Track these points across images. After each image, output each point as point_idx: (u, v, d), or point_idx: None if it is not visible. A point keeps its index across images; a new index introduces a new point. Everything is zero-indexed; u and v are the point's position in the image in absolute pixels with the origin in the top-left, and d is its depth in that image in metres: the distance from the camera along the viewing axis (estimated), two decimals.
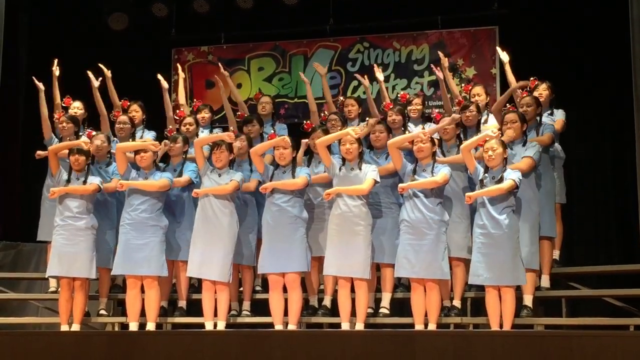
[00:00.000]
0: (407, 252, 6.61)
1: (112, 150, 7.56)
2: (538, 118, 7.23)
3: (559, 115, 7.56)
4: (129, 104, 8.10)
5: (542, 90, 7.52)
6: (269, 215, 6.91)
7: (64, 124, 7.71)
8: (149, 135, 8.01)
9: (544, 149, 7.06)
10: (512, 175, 6.45)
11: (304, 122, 7.49)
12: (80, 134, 7.81)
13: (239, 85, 10.13)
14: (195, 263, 6.94)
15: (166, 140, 7.37)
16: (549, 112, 7.58)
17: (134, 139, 7.75)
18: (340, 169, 6.85)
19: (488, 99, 7.89)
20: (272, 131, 7.50)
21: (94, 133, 7.57)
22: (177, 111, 8.50)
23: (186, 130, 7.79)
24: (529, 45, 9.20)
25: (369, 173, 6.74)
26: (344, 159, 6.91)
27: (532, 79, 7.49)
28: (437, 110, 7.80)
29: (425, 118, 7.87)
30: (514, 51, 9.20)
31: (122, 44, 10.08)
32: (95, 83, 7.94)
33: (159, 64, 10.17)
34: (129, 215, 7.01)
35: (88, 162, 7.17)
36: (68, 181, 7.09)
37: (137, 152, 7.13)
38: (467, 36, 9.58)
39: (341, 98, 8.52)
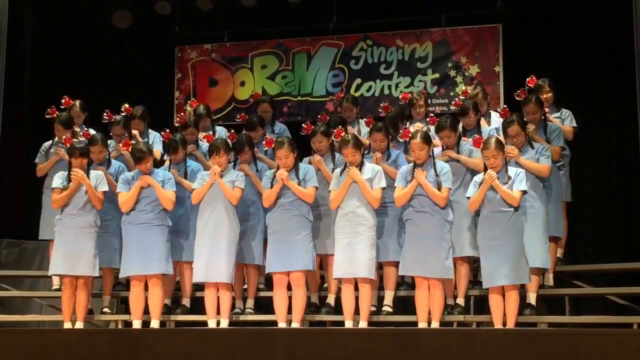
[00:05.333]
0: (412, 251, 6.62)
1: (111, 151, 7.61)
2: (543, 117, 7.23)
3: (568, 121, 7.54)
4: (132, 111, 8.02)
5: (546, 93, 7.49)
6: (274, 214, 6.93)
7: (60, 132, 7.68)
8: (153, 136, 8.03)
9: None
10: (519, 184, 6.46)
11: (303, 125, 7.47)
12: (77, 130, 7.79)
13: (242, 83, 10.13)
14: (201, 268, 6.96)
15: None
16: (555, 111, 7.57)
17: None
18: (341, 172, 6.86)
19: (489, 99, 7.89)
20: (267, 138, 7.48)
21: (92, 132, 7.57)
22: (179, 115, 8.49)
23: (189, 139, 7.73)
24: (532, 43, 9.20)
25: (376, 180, 6.75)
26: (345, 165, 6.91)
27: (529, 78, 7.44)
28: (432, 115, 7.74)
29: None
30: (517, 49, 9.25)
31: (125, 42, 10.08)
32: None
33: (162, 62, 10.20)
34: (134, 216, 7.01)
35: (87, 161, 7.16)
36: (68, 180, 7.08)
37: (137, 162, 7.09)
38: (471, 34, 9.55)
39: (336, 93, 8.51)
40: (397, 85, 9.65)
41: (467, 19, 9.51)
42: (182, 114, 8.44)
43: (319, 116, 8.06)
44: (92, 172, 7.11)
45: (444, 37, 9.62)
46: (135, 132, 7.92)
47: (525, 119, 7.04)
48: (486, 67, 9.42)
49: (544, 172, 6.82)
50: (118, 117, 7.83)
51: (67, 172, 7.11)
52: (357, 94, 9.27)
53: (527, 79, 7.37)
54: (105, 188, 7.08)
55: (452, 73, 9.52)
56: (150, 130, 8.18)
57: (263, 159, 7.57)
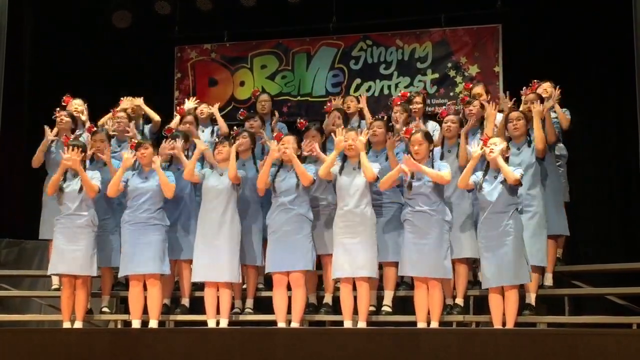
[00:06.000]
0: (411, 251, 6.62)
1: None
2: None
3: (566, 114, 7.55)
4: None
5: (547, 87, 7.50)
6: (274, 214, 6.92)
7: (62, 117, 7.70)
8: (147, 129, 8.05)
9: (549, 147, 7.06)
10: (516, 170, 6.47)
11: (298, 120, 7.47)
12: (78, 131, 7.81)
13: (241, 83, 10.15)
14: (202, 267, 6.94)
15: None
16: (553, 110, 7.56)
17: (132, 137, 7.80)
18: (341, 171, 6.84)
19: (489, 97, 7.89)
20: (272, 130, 7.49)
21: (94, 128, 7.58)
22: (178, 108, 8.54)
23: (186, 129, 7.79)
24: (532, 43, 9.20)
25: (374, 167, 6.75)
26: (344, 157, 6.90)
27: (534, 81, 7.46)
28: (443, 107, 7.78)
29: (427, 116, 7.88)
30: (517, 49, 9.26)
31: (125, 42, 10.09)
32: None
33: (162, 61, 10.21)
34: (131, 215, 7.01)
35: (83, 158, 7.15)
36: (64, 180, 7.09)
37: (137, 149, 7.12)
38: (471, 34, 9.55)
39: (336, 98, 8.54)
40: (396, 85, 9.65)
41: (466, 19, 9.52)
42: (179, 107, 8.53)
43: (325, 106, 8.08)
44: (89, 172, 7.11)
45: (444, 37, 9.63)
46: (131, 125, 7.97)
47: (524, 107, 7.08)
48: (486, 67, 9.42)
49: (537, 142, 6.80)
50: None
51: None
52: (356, 94, 9.26)
53: (532, 82, 7.40)
54: (97, 184, 7.07)
55: (452, 73, 9.53)
56: (147, 127, 8.18)
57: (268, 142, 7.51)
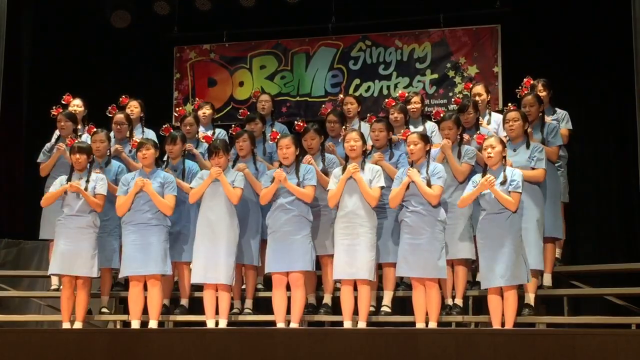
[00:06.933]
0: (406, 252, 6.62)
1: (111, 149, 7.59)
2: (541, 115, 7.22)
3: (564, 123, 7.53)
4: (127, 100, 8.11)
5: (539, 92, 7.47)
6: (274, 214, 6.92)
7: (62, 123, 7.71)
8: (149, 134, 8.03)
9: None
10: (515, 178, 6.45)
11: (296, 122, 7.48)
12: (80, 133, 7.81)
13: (241, 84, 10.14)
14: (200, 268, 6.94)
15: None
16: (551, 112, 7.56)
17: (131, 137, 7.77)
18: (343, 172, 6.83)
19: (489, 97, 7.89)
20: (272, 131, 7.50)
21: (94, 129, 7.58)
22: (178, 109, 8.52)
23: (187, 131, 7.79)
24: (531, 44, 9.20)
25: (375, 180, 6.75)
26: (346, 158, 6.91)
27: (526, 79, 7.45)
28: (437, 108, 7.77)
29: (425, 117, 7.88)
30: (516, 49, 9.26)
31: (124, 42, 10.09)
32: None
33: (161, 62, 10.21)
34: (132, 216, 7.00)
35: (89, 160, 7.16)
36: (68, 180, 7.09)
37: (138, 150, 7.12)
38: (470, 34, 9.55)
39: (341, 96, 8.54)
40: (395, 86, 9.64)
41: (465, 20, 9.52)
42: (180, 108, 8.51)
43: (322, 106, 8.06)
44: (93, 175, 7.11)
45: (443, 37, 9.63)
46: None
47: (523, 110, 7.04)
48: (485, 67, 9.42)
49: (538, 178, 6.79)
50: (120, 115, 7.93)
51: (66, 177, 7.11)
52: (356, 94, 9.26)
53: (524, 80, 7.39)
54: (103, 192, 7.06)
55: (451, 73, 9.53)
56: (145, 129, 8.17)
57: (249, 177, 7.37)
